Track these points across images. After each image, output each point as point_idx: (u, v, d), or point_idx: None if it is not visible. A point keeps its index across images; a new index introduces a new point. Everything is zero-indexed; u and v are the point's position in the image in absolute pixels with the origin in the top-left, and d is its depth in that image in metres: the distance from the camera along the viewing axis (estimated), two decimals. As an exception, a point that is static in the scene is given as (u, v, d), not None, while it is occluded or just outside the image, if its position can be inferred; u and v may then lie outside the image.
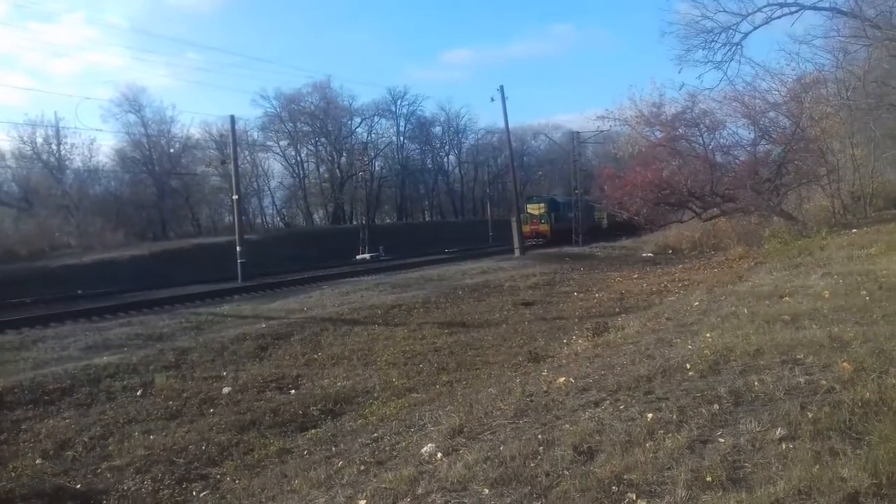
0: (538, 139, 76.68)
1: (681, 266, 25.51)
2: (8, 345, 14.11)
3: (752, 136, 30.44)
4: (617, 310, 16.39)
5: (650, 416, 5.06)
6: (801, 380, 5.30)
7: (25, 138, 48.64)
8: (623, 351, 8.55)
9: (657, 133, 32.45)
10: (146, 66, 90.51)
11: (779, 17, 22.22)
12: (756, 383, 5.33)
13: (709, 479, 3.82)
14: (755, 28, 22.56)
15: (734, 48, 22.81)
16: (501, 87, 37.78)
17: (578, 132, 60.78)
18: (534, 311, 17.61)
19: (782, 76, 27.70)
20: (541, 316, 16.88)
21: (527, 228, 44.15)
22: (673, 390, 5.70)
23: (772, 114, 29.28)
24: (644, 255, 32.95)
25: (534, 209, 49.58)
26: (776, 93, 28.67)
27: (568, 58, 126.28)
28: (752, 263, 19.50)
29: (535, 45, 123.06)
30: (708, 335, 7.82)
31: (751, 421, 4.57)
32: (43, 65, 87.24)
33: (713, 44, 22.77)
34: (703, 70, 24.12)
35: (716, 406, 4.99)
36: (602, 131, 41.28)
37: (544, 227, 47.88)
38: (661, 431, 4.72)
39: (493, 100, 38.76)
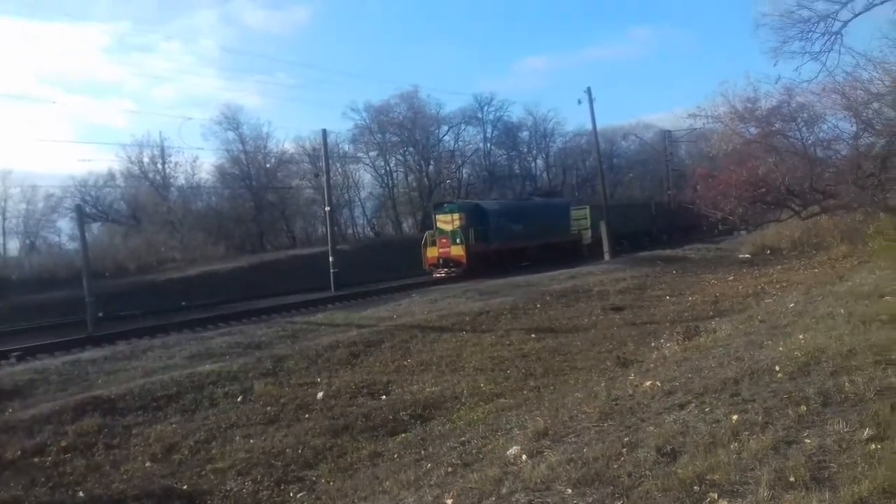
0: (628, 140, 75.22)
1: (779, 267, 24.64)
2: (120, 355, 14.99)
3: (853, 128, 28.89)
4: (710, 313, 16.01)
5: (735, 417, 5.02)
6: (894, 380, 5.13)
7: (133, 158, 51.76)
8: (712, 354, 8.41)
9: (752, 129, 31.28)
10: (239, 86, 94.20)
11: (880, 3, 21.16)
12: (846, 384, 5.20)
13: (792, 478, 3.79)
14: (855, 16, 21.48)
15: (833, 38, 21.81)
16: (588, 88, 37.37)
17: (670, 131, 59.59)
18: (623, 316, 17.39)
19: (885, 65, 26.18)
20: (631, 321, 16.66)
21: (433, 252, 32.81)
22: (760, 392, 5.61)
23: (875, 105, 27.72)
24: (741, 256, 31.96)
25: (444, 221, 33.05)
26: (879, 83, 27.16)
27: (650, 58, 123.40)
28: (856, 262, 18.69)
29: (612, 49, 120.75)
30: (800, 337, 7.62)
31: (838, 422, 4.48)
32: (145, 90, 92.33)
33: (810, 34, 21.83)
34: (800, 62, 23.06)
35: (803, 407, 4.91)
36: (694, 129, 40.21)
37: (457, 252, 31.85)
38: (746, 433, 4.68)
39: (580, 102, 38.08)
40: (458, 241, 31.90)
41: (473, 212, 33.45)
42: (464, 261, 31.58)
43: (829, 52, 22.05)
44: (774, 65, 24.97)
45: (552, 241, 36.60)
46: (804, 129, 29.34)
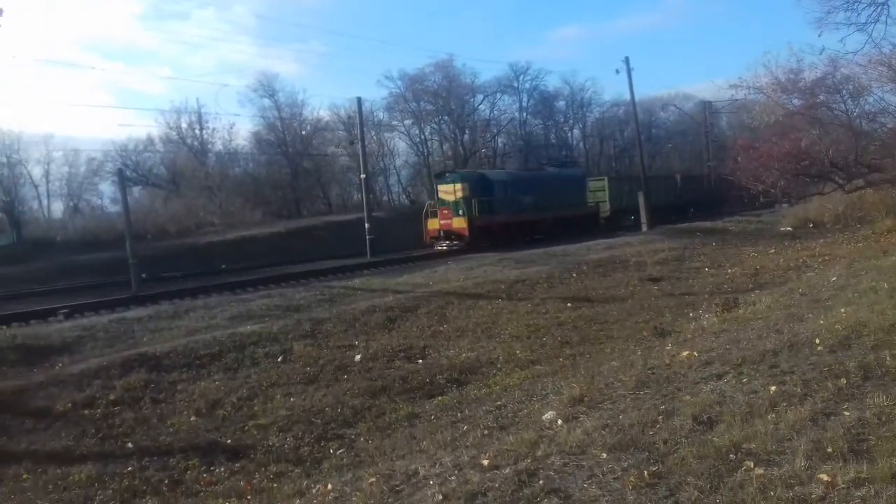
0: (667, 110, 73.85)
1: (822, 240, 24.19)
2: (163, 314, 15.38)
3: (900, 101, 28.17)
4: (750, 286, 15.86)
5: (773, 388, 5.03)
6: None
7: (171, 124, 52.47)
8: (751, 326, 8.39)
9: (795, 101, 30.57)
10: (274, 53, 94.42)
11: (930, -27, 20.42)
12: (888, 358, 5.17)
13: (830, 450, 3.82)
14: (904, -14, 20.83)
15: (880, 8, 21.13)
16: (626, 58, 36.63)
17: (711, 102, 58.35)
18: (661, 287, 17.30)
19: (934, 37, 25.39)
20: (668, 292, 16.58)
21: (434, 224, 31.19)
22: (799, 364, 5.61)
23: (923, 77, 26.95)
24: (783, 229, 31.39)
25: (447, 192, 31.40)
26: (927, 54, 26.34)
27: (688, 29, 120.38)
28: (901, 237, 18.28)
29: (648, 18, 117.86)
30: (842, 310, 7.56)
31: (879, 395, 4.47)
32: (181, 57, 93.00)
33: (856, 4, 21.19)
34: (846, 33, 22.50)
35: (843, 380, 4.90)
36: (735, 100, 39.32)
37: (459, 224, 30.09)
38: (784, 404, 4.70)
39: (618, 72, 37.34)
40: (460, 212, 30.21)
41: (477, 182, 31.68)
42: (466, 233, 29.85)
43: (876, 23, 21.43)
44: (819, 35, 24.17)
45: (566, 214, 34.83)
46: (849, 101, 28.63)
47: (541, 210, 33.48)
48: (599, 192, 40.05)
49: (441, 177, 33.41)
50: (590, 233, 32.71)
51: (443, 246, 30.40)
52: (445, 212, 30.79)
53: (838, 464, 3.65)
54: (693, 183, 50.58)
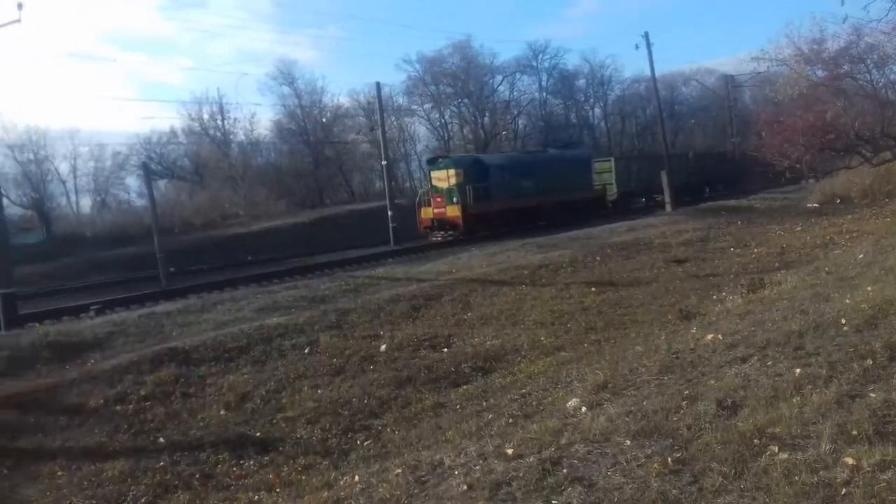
0: (689, 86, 72.88)
1: (849, 216, 23.84)
2: (192, 308, 15.58)
3: (927, 69, 27.61)
4: (776, 265, 15.70)
5: (798, 371, 5.00)
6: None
7: (193, 115, 52.98)
8: (776, 307, 8.32)
9: (819, 72, 30.04)
10: (292, 40, 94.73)
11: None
12: (915, 338, 5.12)
13: (855, 432, 3.79)
14: (928, -51, 20.29)
15: (904, -28, 20.66)
16: (646, 33, 36.14)
17: (733, 76, 57.50)
18: (686, 269, 17.17)
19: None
20: (693, 273, 16.45)
21: (427, 213, 29.88)
22: (825, 345, 5.56)
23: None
24: (809, 205, 30.96)
25: (440, 178, 29.80)
26: (954, 21, 25.69)
27: (707, 1, 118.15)
28: (931, 211, 17.96)
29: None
30: (869, 289, 7.47)
31: (905, 376, 4.43)
32: (200, 47, 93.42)
33: (880, -32, 20.75)
34: (869, 0, 22.04)
35: (869, 361, 4.86)
36: (758, 73, 38.74)
37: (452, 212, 28.54)
38: (809, 387, 4.67)
39: (637, 48, 36.75)
40: (454, 200, 28.61)
41: (472, 167, 30.20)
42: (460, 222, 28.28)
43: (900, -11, 20.91)
44: (842, 4, 23.59)
45: (571, 198, 33.06)
46: (874, 70, 28.15)
47: (543, 195, 31.88)
48: (606, 174, 38.44)
49: (433, 162, 31.95)
50: (598, 217, 31.68)
51: (437, 236, 29.01)
52: (439, 200, 29.34)
53: (864, 447, 3.62)
54: (707, 161, 48.89)
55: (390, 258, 24.78)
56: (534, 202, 31.56)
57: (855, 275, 9.37)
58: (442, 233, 28.94)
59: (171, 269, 23.70)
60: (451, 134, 64.80)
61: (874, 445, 3.61)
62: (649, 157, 45.11)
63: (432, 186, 30.23)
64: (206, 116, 53.33)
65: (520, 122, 67.62)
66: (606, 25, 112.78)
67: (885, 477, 3.31)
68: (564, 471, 4.20)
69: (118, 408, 9.84)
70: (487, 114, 64.03)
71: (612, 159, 40.17)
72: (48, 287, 24.81)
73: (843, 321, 6.16)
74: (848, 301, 7.08)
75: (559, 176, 32.82)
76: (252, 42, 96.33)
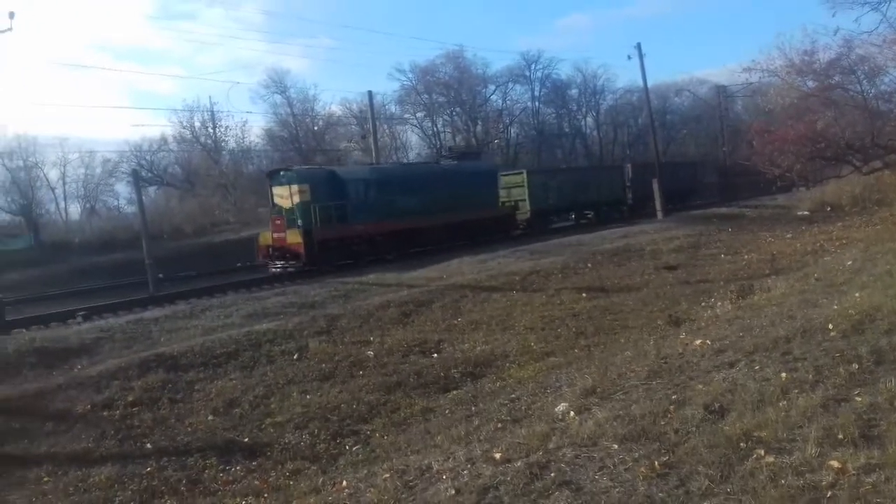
0: (681, 96, 73.30)
1: (839, 224, 23.94)
2: (180, 314, 15.50)
3: (917, 80, 27.81)
4: (766, 271, 15.75)
5: (785, 376, 5.02)
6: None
7: (185, 123, 53.01)
8: (764, 313, 8.35)
9: (809, 83, 30.24)
10: (284, 50, 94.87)
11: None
12: (901, 342, 5.13)
13: (841, 436, 3.81)
14: (917, -37, 20.54)
15: (894, -14, 20.90)
16: (638, 44, 36.58)
17: (725, 86, 57.81)
18: (676, 275, 17.22)
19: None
20: (684, 280, 16.50)
21: (265, 239, 23.99)
22: (811, 351, 5.58)
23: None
24: (799, 213, 31.09)
25: (282, 195, 23.87)
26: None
27: (699, 12, 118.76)
28: (919, 219, 18.07)
29: (657, 4, 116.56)
30: (856, 295, 7.50)
31: (891, 380, 4.45)
32: (191, 57, 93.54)
33: (870, -17, 20.98)
34: (860, 12, 22.29)
35: (855, 365, 4.88)
36: (750, 84, 38.85)
37: (293, 238, 22.53)
38: (796, 391, 4.69)
39: (629, 58, 37.23)
40: (296, 223, 22.80)
41: (323, 182, 24.11)
42: (301, 250, 22.34)
43: (891, 1, 21.18)
44: (833, 16, 23.96)
45: (469, 217, 27.84)
46: (864, 81, 28.35)
47: (429, 214, 26.44)
48: (516, 189, 33.47)
49: (275, 175, 25.35)
50: (504, 239, 28.18)
51: (276, 268, 23.27)
52: (278, 222, 23.48)
53: (849, 450, 3.64)
54: (686, 170, 47.81)
55: (381, 264, 24.64)
56: (415, 223, 26.08)
57: (843, 281, 9.41)
58: (281, 263, 23.19)
59: (160, 275, 23.61)
60: (444, 142, 64.88)
61: (859, 449, 3.62)
62: (572, 171, 44.17)
63: (273, 206, 24.51)
64: (197, 124, 53.51)
65: (512, 130, 67.81)
66: (598, 37, 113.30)
67: (870, 480, 3.33)
68: (552, 475, 4.19)
69: (105, 413, 9.76)
70: (480, 123, 64.18)
71: (525, 172, 35.31)
72: (36, 293, 24.63)
73: (831, 326, 6.18)
74: (836, 307, 7.11)
75: (453, 192, 27.82)
76: (243, 51, 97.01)
